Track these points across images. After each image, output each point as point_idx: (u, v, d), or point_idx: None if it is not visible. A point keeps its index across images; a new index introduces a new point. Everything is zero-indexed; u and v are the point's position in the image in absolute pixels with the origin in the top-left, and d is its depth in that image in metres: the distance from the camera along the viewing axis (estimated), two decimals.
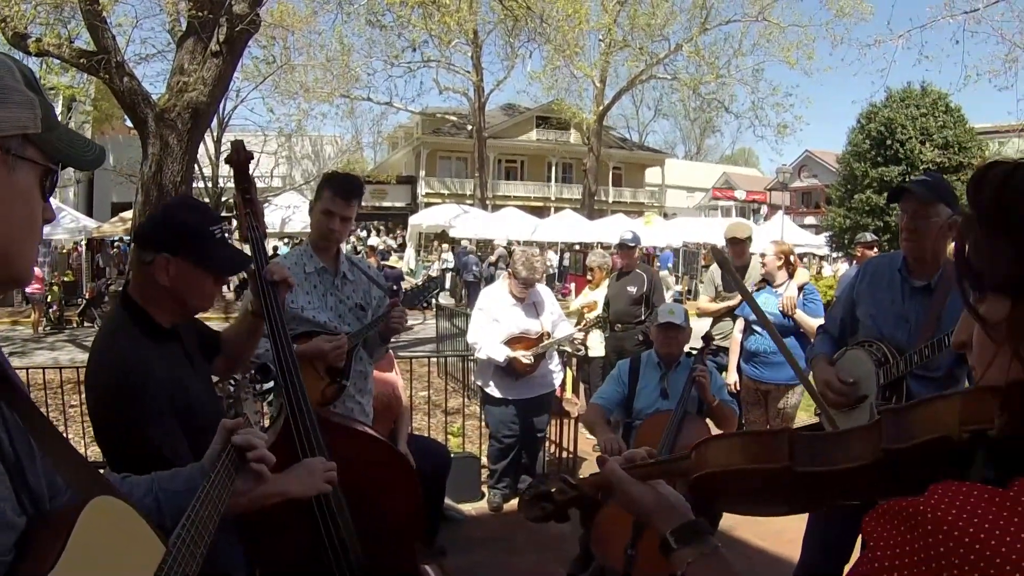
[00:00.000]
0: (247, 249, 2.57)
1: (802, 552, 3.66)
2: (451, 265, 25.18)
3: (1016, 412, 0.85)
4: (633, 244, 7.81)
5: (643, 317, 7.32)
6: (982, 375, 0.95)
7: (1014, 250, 0.87)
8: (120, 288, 2.50)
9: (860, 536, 0.88)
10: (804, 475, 1.08)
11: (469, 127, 38.06)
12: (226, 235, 2.35)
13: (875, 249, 9.25)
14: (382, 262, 23.45)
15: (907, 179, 3.21)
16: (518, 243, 27.49)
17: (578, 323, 8.17)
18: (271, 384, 2.28)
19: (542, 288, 6.10)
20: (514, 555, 5.19)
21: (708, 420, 4.43)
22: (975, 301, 0.95)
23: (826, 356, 3.57)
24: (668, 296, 24.13)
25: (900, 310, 3.32)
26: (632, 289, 7.51)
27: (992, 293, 0.91)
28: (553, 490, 1.57)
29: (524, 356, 5.73)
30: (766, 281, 5.99)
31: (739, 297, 6.38)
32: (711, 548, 1.24)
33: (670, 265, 28.14)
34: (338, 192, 3.69)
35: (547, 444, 7.10)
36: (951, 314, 3.10)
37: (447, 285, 23.22)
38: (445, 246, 28.23)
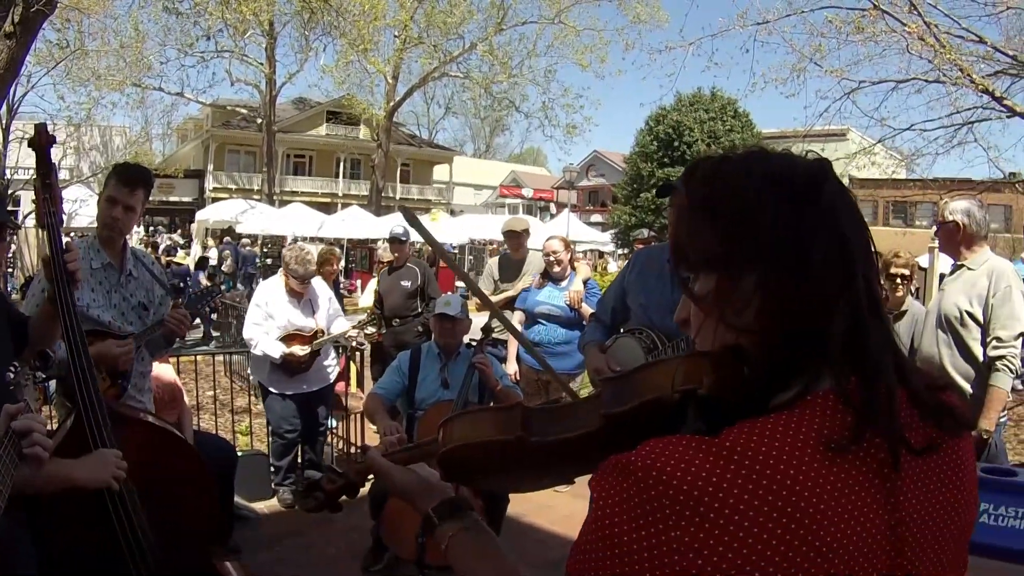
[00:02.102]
0: (44, 236, 2.53)
1: None
2: (215, 262, 24.40)
3: (722, 372, 0.99)
4: (405, 238, 7.90)
5: (420, 310, 7.44)
6: (699, 344, 1.05)
7: (718, 231, 0.98)
8: None
9: None
10: (538, 445, 1.13)
11: (259, 120, 36.74)
12: None
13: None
14: (168, 258, 22.29)
15: None
16: (304, 239, 26.97)
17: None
18: (50, 371, 2.27)
19: (317, 284, 6.19)
20: (309, 550, 5.20)
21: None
22: (689, 281, 1.05)
23: (598, 343, 3.75)
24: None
25: (670, 300, 3.48)
26: (406, 283, 7.60)
27: (702, 271, 1.02)
28: (323, 480, 1.62)
29: (299, 350, 5.80)
30: (547, 275, 6.26)
31: (517, 288, 6.57)
32: (471, 521, 1.31)
33: None
34: (121, 179, 3.64)
35: (334, 440, 7.14)
36: None
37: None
38: (211, 242, 27.22)
